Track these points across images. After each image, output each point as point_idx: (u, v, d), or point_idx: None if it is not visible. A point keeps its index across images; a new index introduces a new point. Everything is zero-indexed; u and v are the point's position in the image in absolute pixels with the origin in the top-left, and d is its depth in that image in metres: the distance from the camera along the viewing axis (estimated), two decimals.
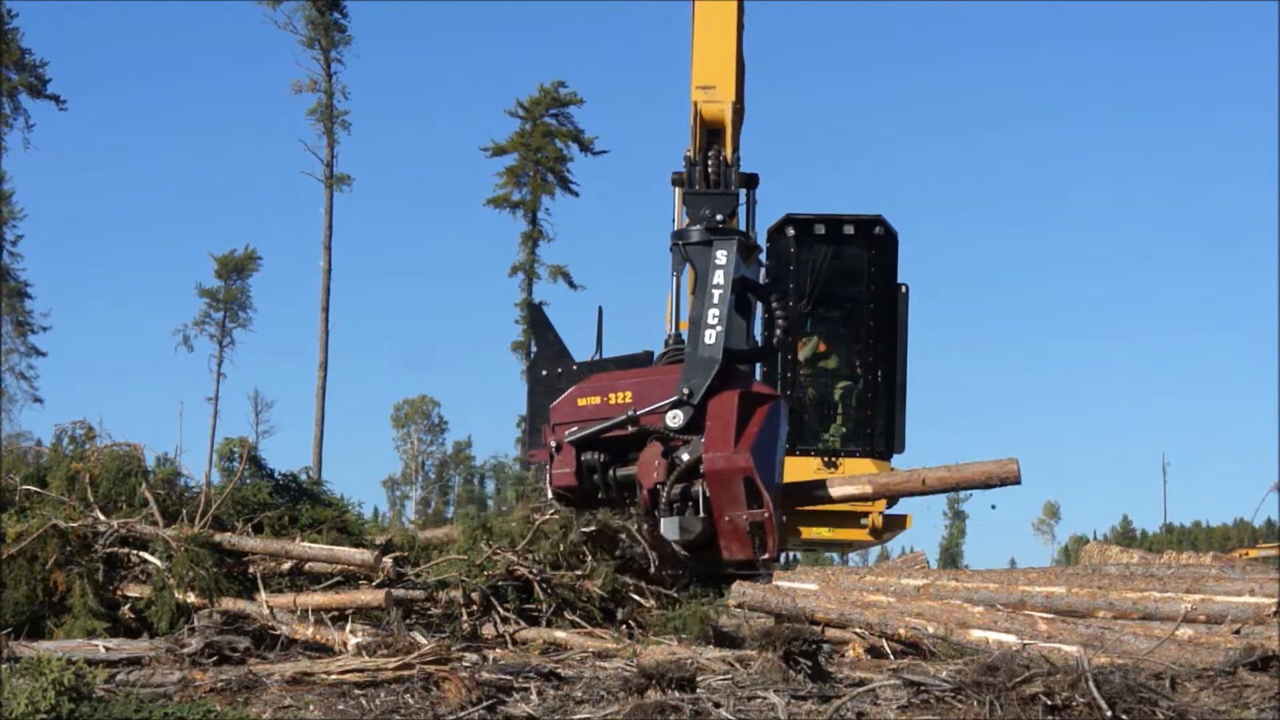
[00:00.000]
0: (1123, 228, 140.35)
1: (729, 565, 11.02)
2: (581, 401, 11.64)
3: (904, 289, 17.44)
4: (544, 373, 14.59)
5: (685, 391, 11.13)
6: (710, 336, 11.34)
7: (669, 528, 10.87)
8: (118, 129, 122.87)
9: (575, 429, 11.42)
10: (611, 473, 11.38)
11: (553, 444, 11.52)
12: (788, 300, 15.38)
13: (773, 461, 11.39)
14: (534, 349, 15.97)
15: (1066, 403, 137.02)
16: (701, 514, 10.84)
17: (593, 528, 10.55)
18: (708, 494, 10.82)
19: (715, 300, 11.49)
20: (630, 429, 11.24)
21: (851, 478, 12.77)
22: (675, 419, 11.11)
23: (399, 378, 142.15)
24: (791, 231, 17.31)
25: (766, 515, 10.67)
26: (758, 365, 14.98)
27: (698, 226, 12.35)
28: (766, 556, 10.82)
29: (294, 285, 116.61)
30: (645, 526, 11.03)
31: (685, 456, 10.99)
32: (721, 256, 11.64)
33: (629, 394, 11.46)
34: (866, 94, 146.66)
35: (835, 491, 12.37)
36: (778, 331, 12.65)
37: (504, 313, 79.82)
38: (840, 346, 17.98)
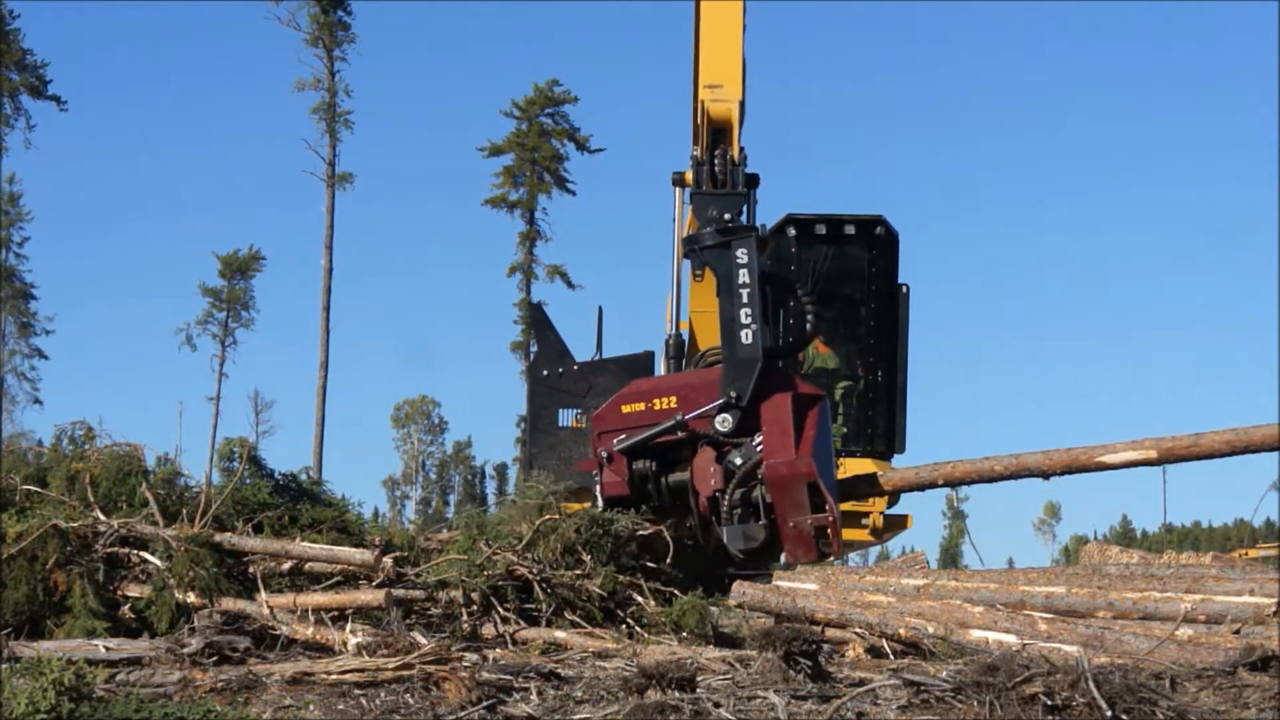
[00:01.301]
0: (1123, 228, 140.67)
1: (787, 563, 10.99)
2: (626, 409, 11.49)
3: (905, 289, 17.40)
4: (545, 373, 14.62)
5: (732, 395, 11.00)
6: (747, 336, 11.19)
7: (732, 536, 10.77)
8: (119, 129, 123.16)
9: (624, 437, 11.28)
10: (664, 480, 11.26)
11: (603, 454, 11.37)
12: (812, 288, 15.23)
13: (830, 462, 11.28)
14: (534, 349, 15.98)
15: (1066, 402, 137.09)
16: (763, 520, 10.74)
17: (647, 530, 10.58)
18: (768, 499, 10.71)
19: (745, 300, 11.31)
20: (680, 434, 11.14)
21: (1134, 442, 11.70)
22: (725, 423, 10.97)
23: (399, 378, 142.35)
24: (792, 231, 17.26)
25: (831, 519, 10.59)
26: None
27: (709, 229, 12.25)
28: (832, 558, 10.75)
29: (295, 285, 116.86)
30: (700, 533, 11.08)
31: (738, 461, 10.88)
32: (743, 255, 11.46)
33: (673, 399, 11.33)
34: (868, 94, 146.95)
35: (1117, 458, 11.58)
36: (809, 320, 12.51)
37: (503, 313, 79.83)
38: (840, 347, 17.95)
